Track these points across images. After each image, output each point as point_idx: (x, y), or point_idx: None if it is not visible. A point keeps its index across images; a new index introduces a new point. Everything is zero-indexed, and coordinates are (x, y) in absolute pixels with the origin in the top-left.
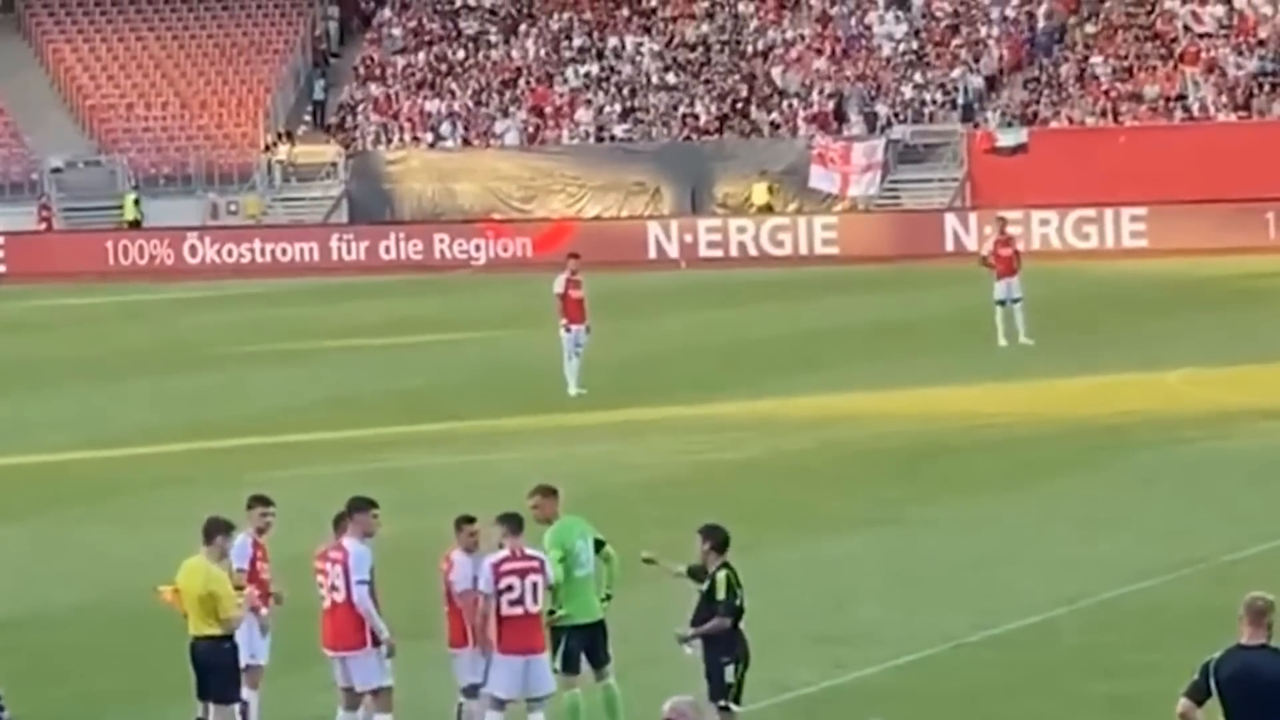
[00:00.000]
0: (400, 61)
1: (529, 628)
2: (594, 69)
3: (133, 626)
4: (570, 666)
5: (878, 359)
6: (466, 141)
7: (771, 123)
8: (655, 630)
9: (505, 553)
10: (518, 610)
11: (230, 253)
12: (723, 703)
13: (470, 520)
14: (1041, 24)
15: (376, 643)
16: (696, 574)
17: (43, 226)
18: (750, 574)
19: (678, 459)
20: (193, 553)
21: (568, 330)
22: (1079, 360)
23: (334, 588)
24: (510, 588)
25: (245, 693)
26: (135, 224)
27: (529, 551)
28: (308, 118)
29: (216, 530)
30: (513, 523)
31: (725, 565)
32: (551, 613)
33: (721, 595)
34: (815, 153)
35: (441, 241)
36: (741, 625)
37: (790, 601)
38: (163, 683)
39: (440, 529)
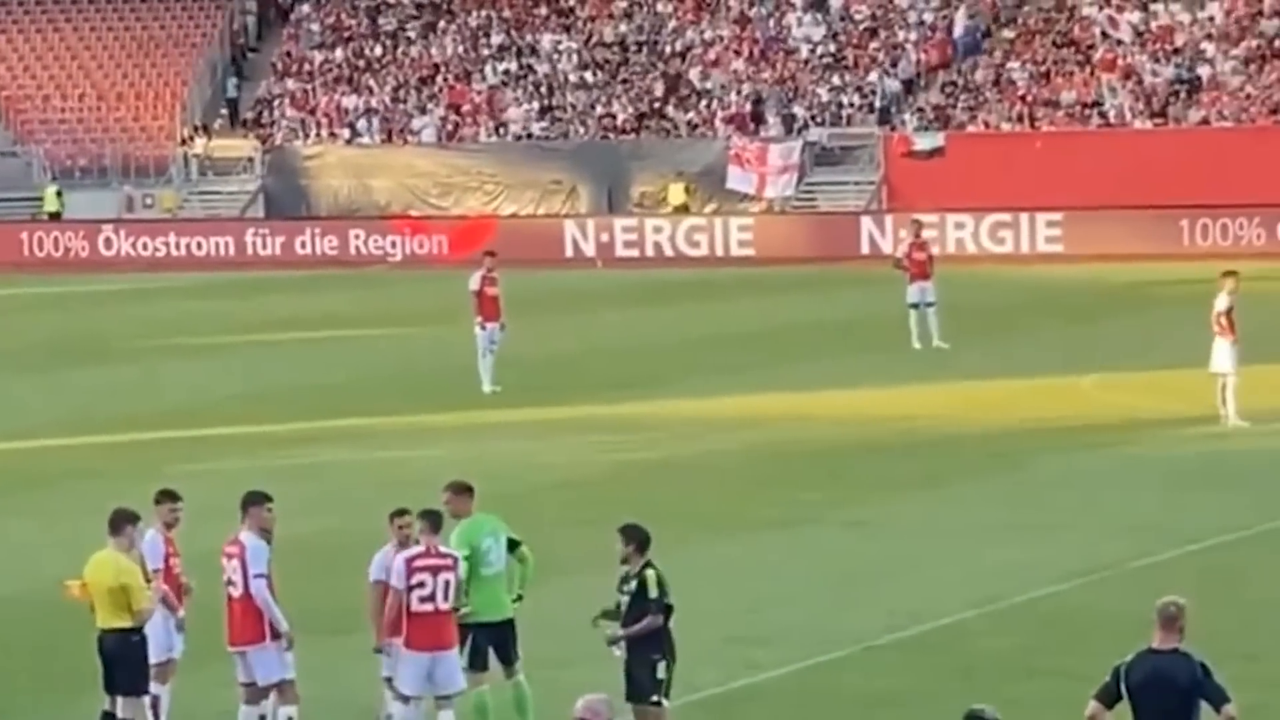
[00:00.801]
0: (318, 57)
1: (438, 625)
2: (512, 67)
3: (43, 619)
4: (477, 664)
5: (793, 361)
6: (384, 138)
7: (689, 123)
8: (568, 629)
9: (420, 549)
10: (428, 607)
11: (146, 246)
12: (655, 698)
13: (403, 513)
14: (961, 30)
15: (276, 636)
16: (610, 614)
17: None
18: (665, 575)
19: (592, 458)
20: (104, 545)
21: (483, 328)
22: (993, 364)
23: (231, 582)
24: (422, 584)
25: (156, 687)
26: (56, 215)
27: (443, 549)
28: (224, 113)
29: (124, 521)
30: (432, 519)
31: (649, 564)
32: (456, 609)
33: (653, 594)
34: (732, 153)
35: (357, 238)
36: (670, 623)
37: (704, 602)
38: (72, 675)
39: (354, 525)
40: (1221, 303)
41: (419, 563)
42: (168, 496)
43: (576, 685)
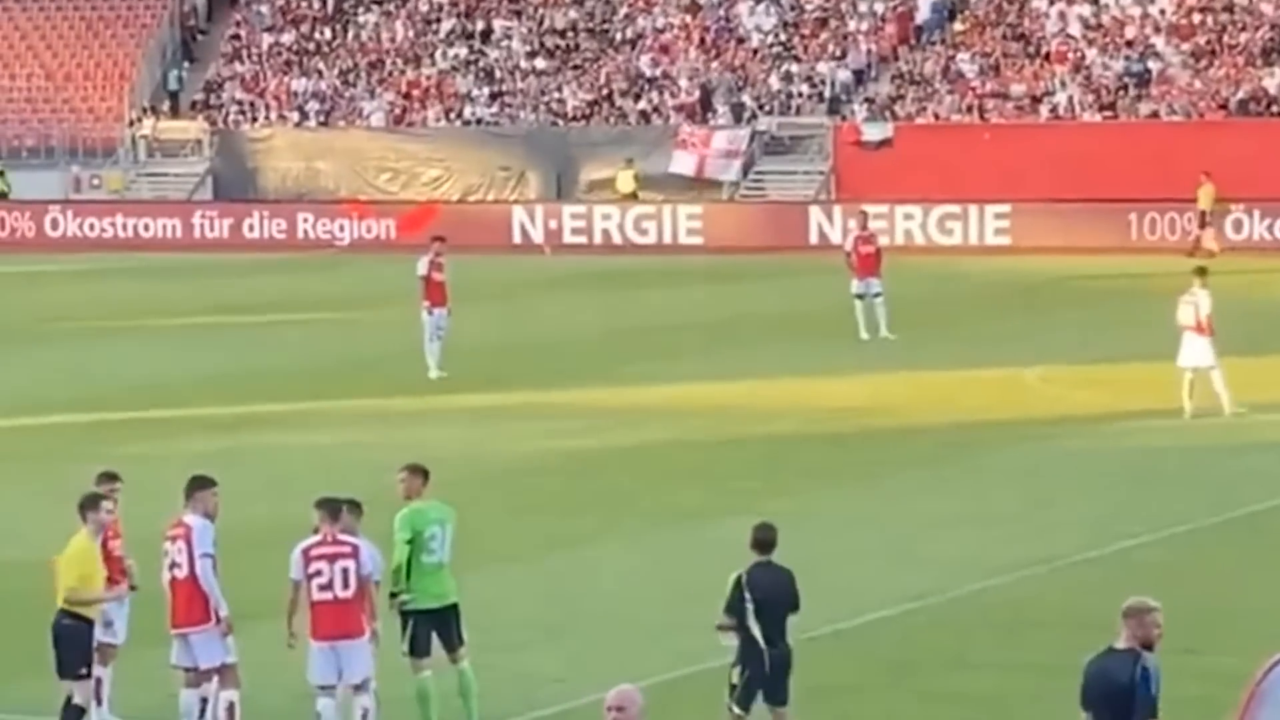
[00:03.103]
0: (268, 39)
1: (339, 613)
2: (462, 52)
3: None
4: (418, 650)
5: (741, 349)
6: (332, 121)
7: (639, 111)
8: (510, 615)
9: (317, 538)
10: (327, 595)
11: (93, 227)
12: (728, 703)
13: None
14: (927, 14)
15: (218, 619)
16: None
17: None
18: (602, 563)
19: (537, 445)
20: (40, 526)
21: (430, 313)
22: (939, 355)
23: (175, 564)
24: (319, 573)
25: (98, 670)
26: (2, 195)
27: (341, 537)
28: (166, 107)
29: (88, 506)
30: (330, 508)
31: (754, 565)
32: (394, 595)
33: (728, 595)
34: (679, 139)
35: (305, 221)
36: (756, 630)
37: (640, 591)
38: (18, 659)
39: (296, 510)
40: (1205, 303)
41: (315, 551)
42: (107, 478)
43: (520, 670)
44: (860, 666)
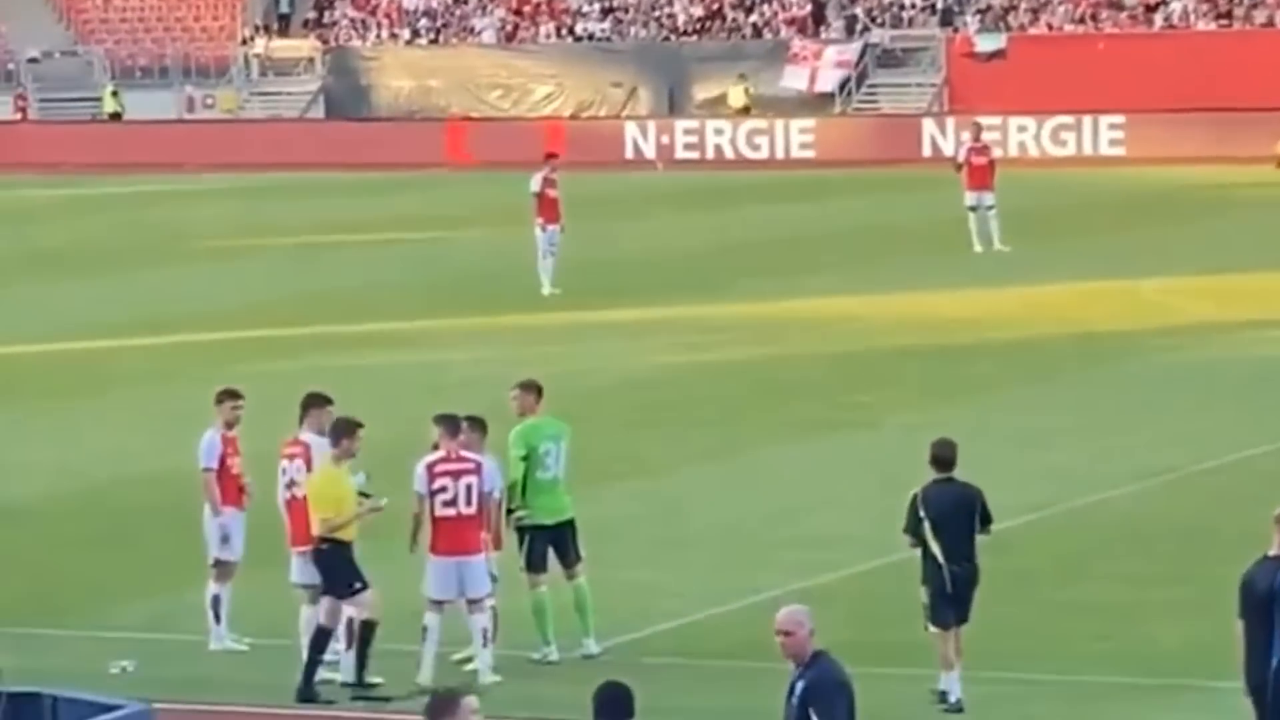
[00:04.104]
0: None
1: (462, 529)
2: None
3: (93, 519)
4: (534, 566)
5: (853, 264)
6: (444, 39)
7: (751, 25)
8: (628, 531)
9: (440, 454)
10: (450, 512)
11: (207, 147)
12: (926, 624)
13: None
14: None
15: None
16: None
17: (18, 117)
18: (717, 477)
19: (650, 360)
20: (166, 445)
21: (543, 230)
22: (1053, 268)
23: (294, 483)
24: (444, 489)
25: (216, 588)
26: (116, 116)
27: (464, 454)
28: (280, 23)
29: (341, 432)
30: (449, 424)
31: (928, 483)
32: (510, 511)
33: (906, 513)
34: (791, 53)
35: (418, 139)
36: (936, 548)
37: (756, 506)
38: (126, 576)
39: (408, 428)
40: None
41: (440, 468)
42: (230, 395)
43: (636, 585)
44: (981, 578)
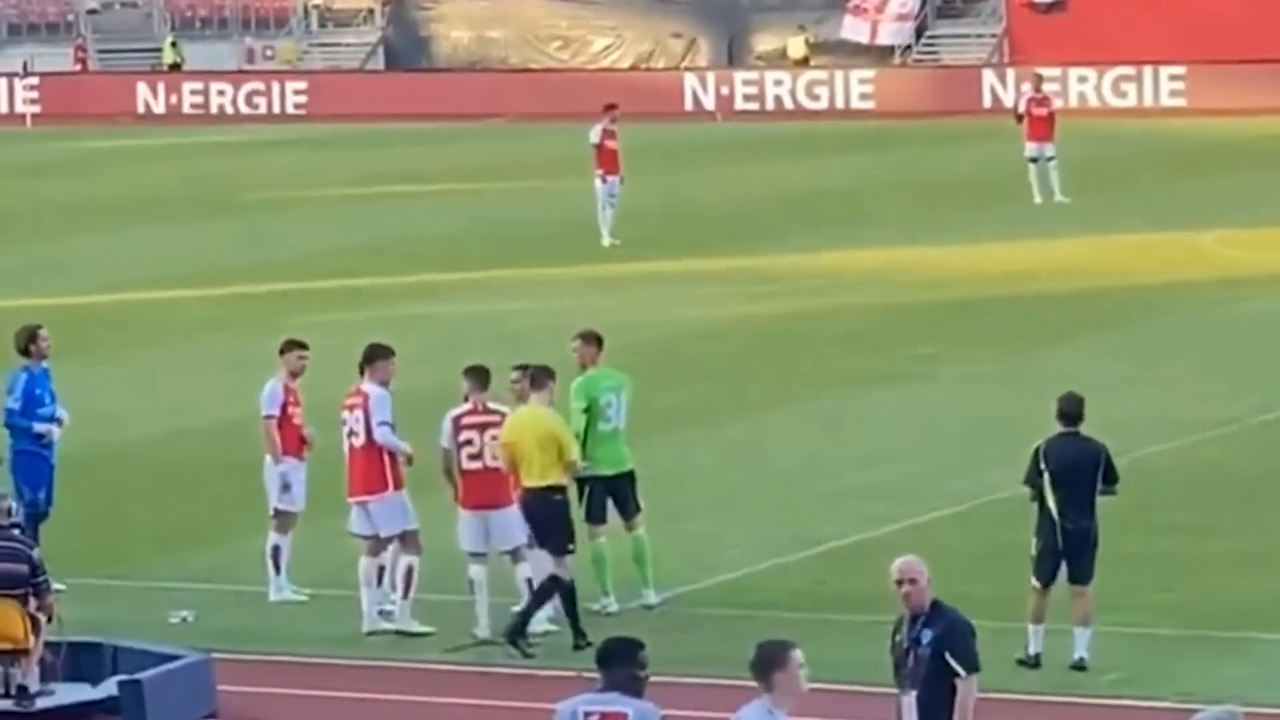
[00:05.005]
0: None
1: (488, 482)
2: None
3: (153, 470)
4: (595, 517)
5: (912, 216)
6: None
7: None
8: (688, 482)
9: (467, 406)
10: (476, 464)
11: (266, 98)
12: (1031, 577)
13: (521, 369)
14: None
15: (399, 486)
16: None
17: (78, 68)
18: (776, 429)
19: (710, 312)
20: (227, 395)
21: (603, 181)
22: (1114, 219)
23: (353, 433)
24: (469, 442)
25: (276, 538)
26: (175, 67)
27: (491, 406)
28: None
29: (548, 376)
30: (478, 376)
31: (1053, 437)
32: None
33: (1027, 464)
34: (851, 4)
35: (477, 89)
36: (1052, 502)
37: (820, 456)
38: (186, 526)
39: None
40: None
41: (465, 420)
42: (295, 345)
43: (696, 536)
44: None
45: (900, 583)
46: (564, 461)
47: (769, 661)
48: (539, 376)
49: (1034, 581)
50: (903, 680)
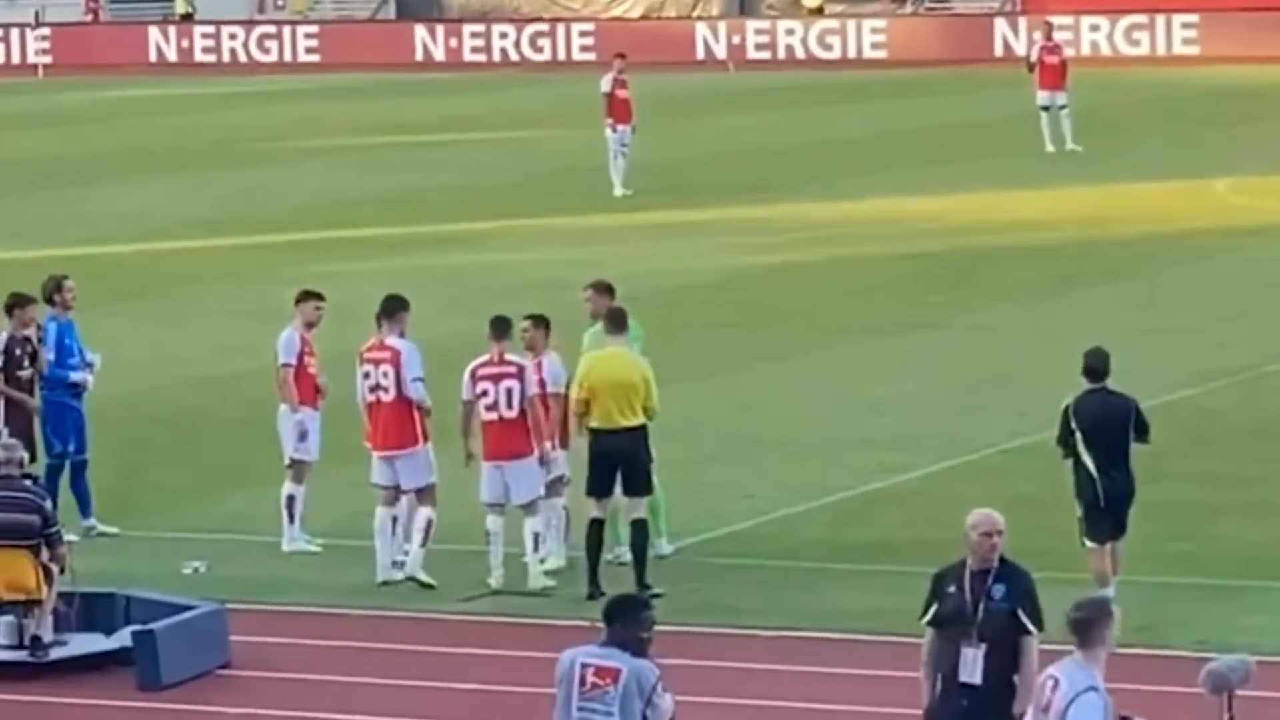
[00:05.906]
0: None
1: (505, 433)
2: None
3: (166, 420)
4: None
5: (924, 164)
6: None
7: None
8: (697, 431)
9: (484, 357)
10: (493, 416)
11: (277, 47)
12: (1081, 539)
13: (532, 318)
14: None
15: (426, 440)
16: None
17: (89, 18)
18: (789, 378)
19: (722, 261)
20: (239, 346)
21: (614, 130)
22: (1126, 167)
23: (381, 387)
24: (485, 393)
25: (291, 487)
26: (187, 17)
27: (508, 357)
28: None
29: (624, 317)
30: (497, 327)
31: (1081, 394)
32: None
33: (1058, 424)
34: None
35: (490, 39)
36: (1088, 460)
37: (829, 406)
38: (199, 477)
39: (480, 331)
40: None
41: (482, 372)
42: (311, 295)
43: (710, 485)
44: (1047, 479)
45: (990, 534)
46: (647, 405)
47: (1097, 619)
48: (619, 318)
49: (1089, 543)
50: (967, 632)
